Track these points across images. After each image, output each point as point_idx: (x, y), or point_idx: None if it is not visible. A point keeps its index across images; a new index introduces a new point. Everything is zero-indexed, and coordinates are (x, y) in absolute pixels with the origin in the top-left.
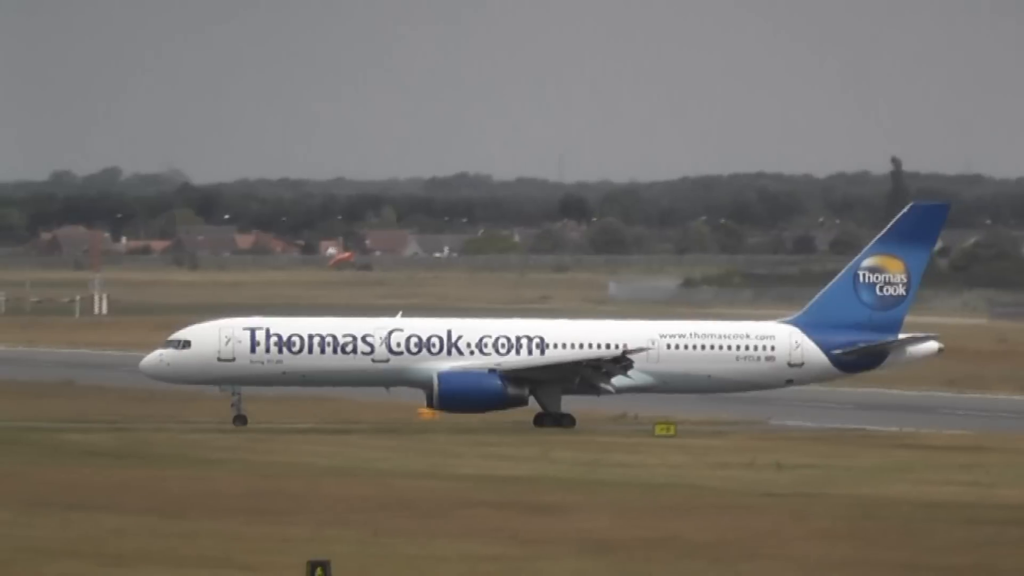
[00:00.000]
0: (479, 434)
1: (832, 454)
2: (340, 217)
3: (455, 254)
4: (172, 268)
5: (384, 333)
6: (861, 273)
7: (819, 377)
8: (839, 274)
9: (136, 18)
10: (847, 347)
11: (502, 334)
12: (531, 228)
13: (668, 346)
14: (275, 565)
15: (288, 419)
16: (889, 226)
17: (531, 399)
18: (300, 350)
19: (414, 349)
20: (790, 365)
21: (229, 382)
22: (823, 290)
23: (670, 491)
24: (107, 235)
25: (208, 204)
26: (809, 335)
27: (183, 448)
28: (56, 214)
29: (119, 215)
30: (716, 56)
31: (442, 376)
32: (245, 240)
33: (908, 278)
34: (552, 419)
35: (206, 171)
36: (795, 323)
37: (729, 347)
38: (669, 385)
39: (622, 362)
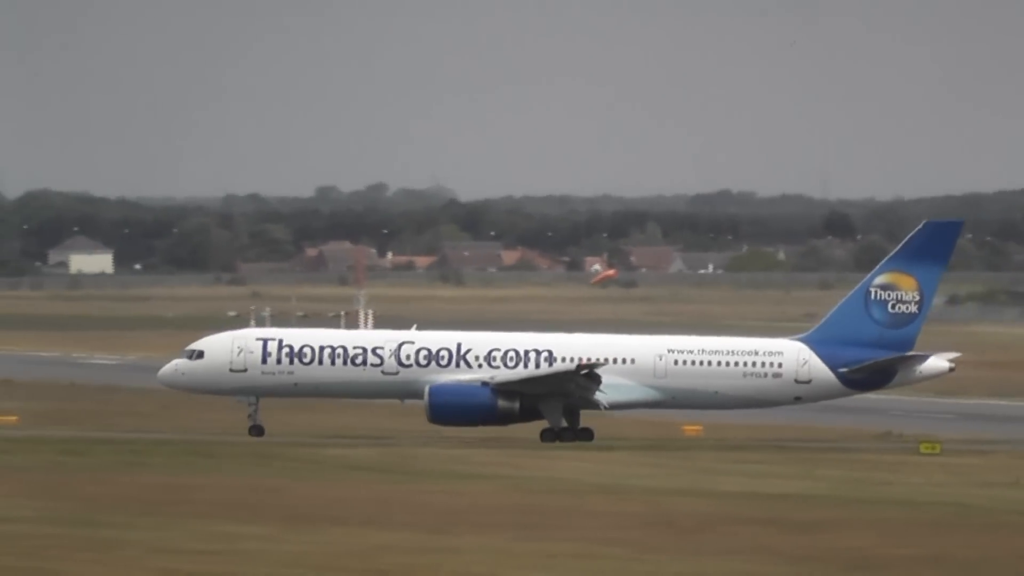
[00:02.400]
0: (743, 451)
1: None
2: (605, 234)
3: (719, 271)
4: (437, 284)
5: (394, 346)
6: (873, 290)
7: (827, 394)
8: (851, 291)
9: (410, 34)
10: (854, 364)
11: (511, 347)
12: (795, 245)
13: (675, 362)
14: None
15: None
16: (902, 243)
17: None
18: (311, 361)
19: (423, 362)
20: (797, 382)
21: (241, 393)
22: (835, 307)
23: (935, 509)
24: (372, 251)
25: (474, 220)
26: (818, 352)
27: (447, 463)
28: (321, 230)
29: (385, 231)
30: (981, 70)
31: (432, 389)
32: (510, 256)
33: (921, 296)
34: (553, 434)
35: (472, 187)
36: (806, 340)
37: (736, 363)
38: (676, 400)
39: (591, 376)
